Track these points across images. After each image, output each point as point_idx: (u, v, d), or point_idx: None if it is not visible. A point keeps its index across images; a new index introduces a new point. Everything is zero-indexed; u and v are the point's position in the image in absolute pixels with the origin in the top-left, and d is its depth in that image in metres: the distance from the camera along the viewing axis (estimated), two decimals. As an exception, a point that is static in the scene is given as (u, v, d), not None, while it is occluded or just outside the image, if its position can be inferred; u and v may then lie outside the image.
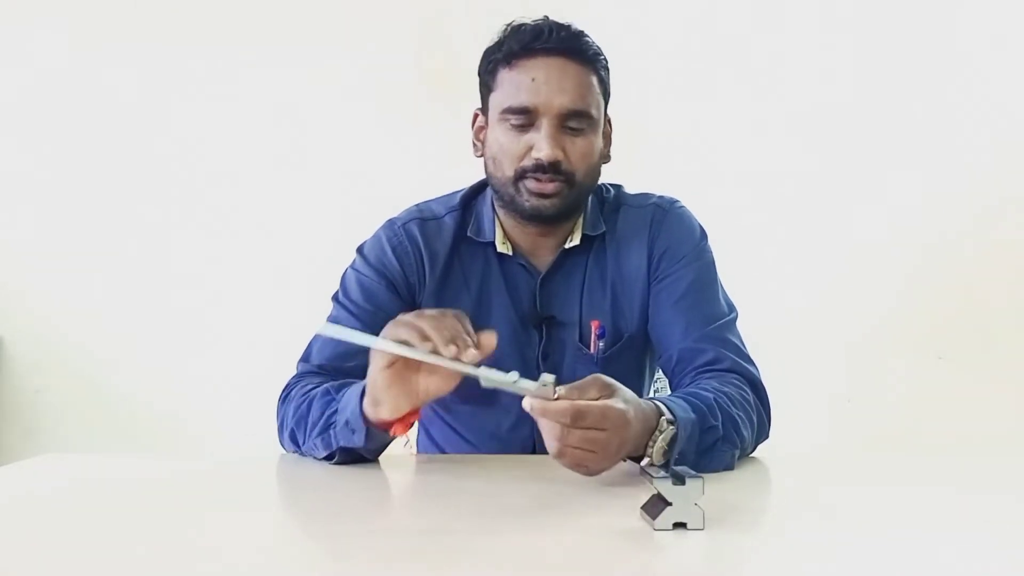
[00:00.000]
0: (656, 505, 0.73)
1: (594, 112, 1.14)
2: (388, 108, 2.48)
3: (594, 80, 1.14)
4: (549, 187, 1.11)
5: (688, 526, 0.71)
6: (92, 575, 0.64)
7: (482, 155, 1.19)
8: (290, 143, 2.50)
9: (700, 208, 1.30)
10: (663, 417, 0.93)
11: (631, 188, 1.30)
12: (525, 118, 1.11)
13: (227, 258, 2.50)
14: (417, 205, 1.25)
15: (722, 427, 0.99)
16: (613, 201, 1.25)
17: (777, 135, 2.43)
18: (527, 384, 0.82)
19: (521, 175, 1.12)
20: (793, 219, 2.44)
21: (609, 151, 1.21)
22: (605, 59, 1.17)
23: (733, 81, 2.45)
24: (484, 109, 1.19)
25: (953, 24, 2.40)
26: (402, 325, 0.88)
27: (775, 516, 0.87)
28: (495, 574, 0.63)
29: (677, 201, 1.26)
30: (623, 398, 0.87)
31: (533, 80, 1.11)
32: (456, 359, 0.84)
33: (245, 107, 2.50)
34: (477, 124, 1.21)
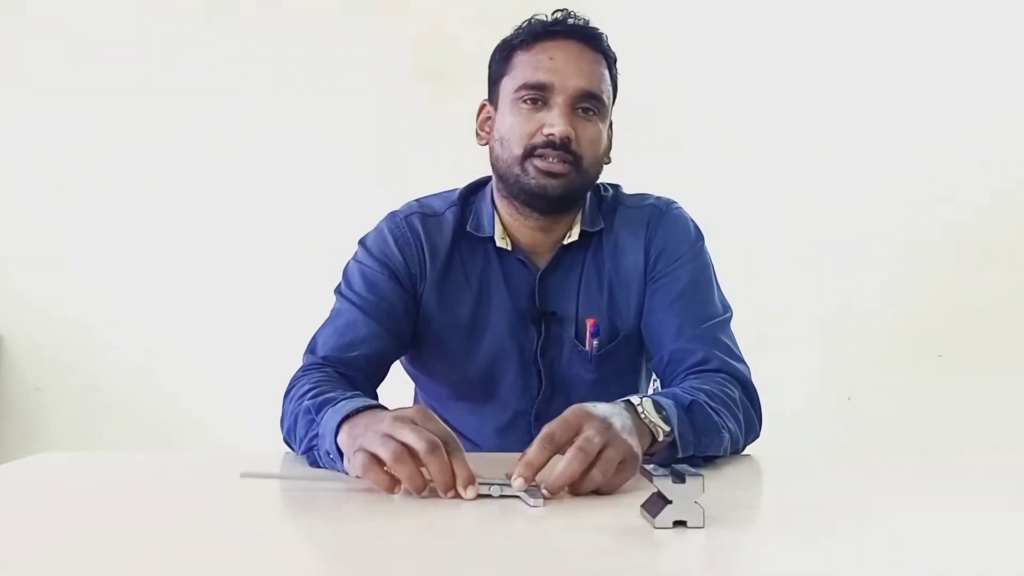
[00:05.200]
0: (656, 503, 0.73)
1: (605, 99, 1.17)
2: (386, 106, 2.48)
3: (606, 71, 1.18)
4: (558, 166, 1.13)
5: (688, 524, 0.71)
6: (91, 574, 0.64)
7: (486, 143, 1.21)
8: (290, 139, 2.50)
9: (700, 207, 1.30)
10: (637, 406, 0.93)
11: (629, 188, 1.30)
12: (538, 94, 1.13)
13: (228, 255, 2.50)
14: (417, 200, 1.26)
15: (715, 413, 1.01)
16: (611, 200, 1.26)
17: (776, 133, 2.43)
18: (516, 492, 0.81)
19: (530, 153, 1.13)
20: (793, 218, 2.44)
21: (609, 155, 1.23)
22: (615, 58, 1.20)
23: (731, 78, 2.44)
24: (493, 99, 1.21)
25: (954, 18, 2.40)
26: (402, 462, 0.82)
27: (775, 515, 0.87)
28: (494, 572, 0.63)
29: (674, 203, 1.26)
30: (584, 407, 0.87)
31: (551, 59, 1.14)
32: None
33: (243, 104, 2.50)
34: (483, 115, 1.22)
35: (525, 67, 1.15)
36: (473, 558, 0.66)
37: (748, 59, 2.44)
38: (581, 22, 1.17)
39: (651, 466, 0.75)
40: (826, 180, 2.43)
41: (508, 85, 1.17)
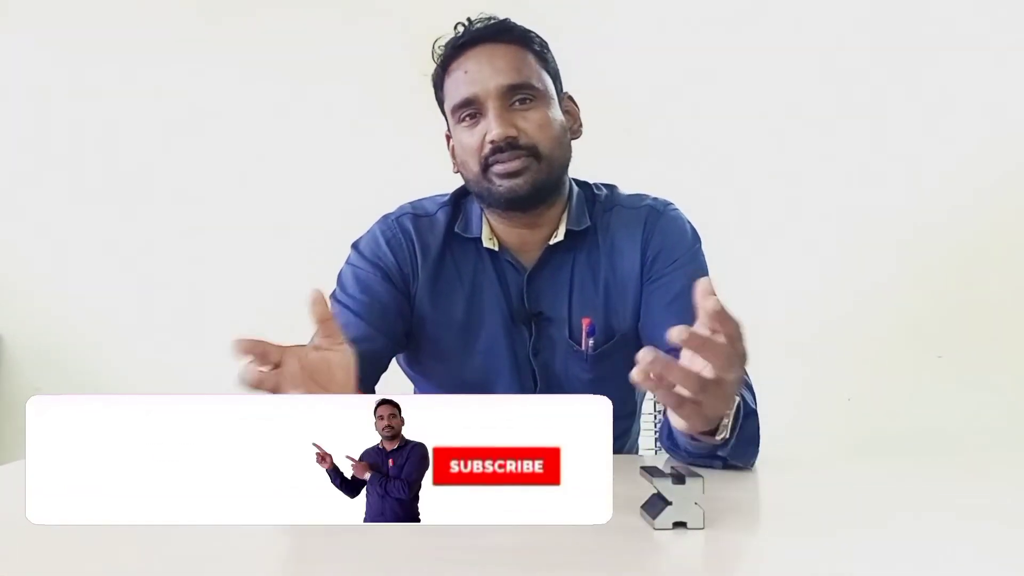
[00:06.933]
0: (656, 504, 0.73)
1: (536, 84, 1.16)
2: (386, 108, 2.47)
3: (529, 56, 1.18)
4: (513, 164, 1.14)
5: (688, 525, 0.71)
6: (92, 574, 0.64)
7: (458, 170, 1.22)
8: (290, 141, 2.50)
9: (698, 205, 1.30)
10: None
11: (625, 189, 1.30)
12: (472, 109, 1.16)
13: (227, 257, 2.50)
14: (410, 202, 1.28)
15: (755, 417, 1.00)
16: (606, 201, 1.26)
17: (773, 130, 2.42)
18: None
19: (485, 164, 1.15)
20: (791, 217, 2.44)
21: (578, 127, 1.23)
22: (539, 37, 1.20)
23: (725, 77, 2.44)
24: (448, 128, 1.23)
25: (952, 13, 2.39)
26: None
27: (775, 516, 0.87)
28: (494, 572, 0.63)
29: (671, 204, 1.27)
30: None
31: (466, 72, 1.16)
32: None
33: (242, 105, 2.50)
34: (451, 145, 1.24)
35: (450, 89, 1.18)
36: (473, 558, 0.67)
37: (748, 58, 2.44)
38: (480, 24, 1.18)
39: (651, 467, 0.75)
40: (825, 180, 2.43)
41: (448, 111, 1.20)
